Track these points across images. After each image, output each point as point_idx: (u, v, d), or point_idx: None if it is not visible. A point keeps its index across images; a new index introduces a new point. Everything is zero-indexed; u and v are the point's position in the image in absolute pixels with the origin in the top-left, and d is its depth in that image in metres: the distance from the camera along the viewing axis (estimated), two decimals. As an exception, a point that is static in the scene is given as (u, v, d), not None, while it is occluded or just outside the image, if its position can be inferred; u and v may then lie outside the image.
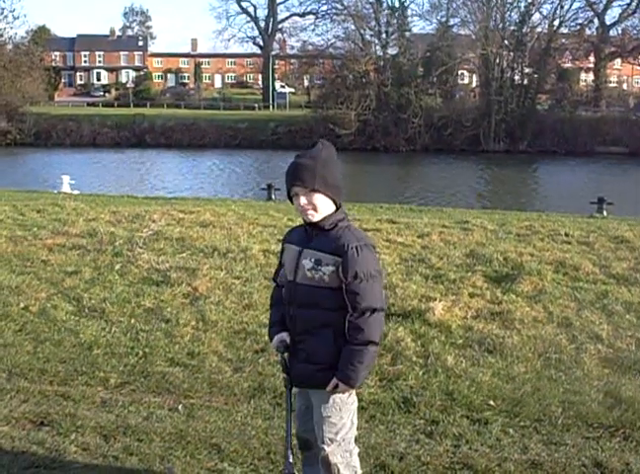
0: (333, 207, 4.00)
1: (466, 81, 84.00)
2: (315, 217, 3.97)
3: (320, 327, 3.97)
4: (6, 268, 9.54)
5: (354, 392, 4.10)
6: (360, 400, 5.90)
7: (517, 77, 72.25)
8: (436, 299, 8.18)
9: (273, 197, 21.50)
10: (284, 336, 4.13)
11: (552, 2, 72.10)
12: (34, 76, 79.83)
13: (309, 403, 4.17)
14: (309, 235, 4.02)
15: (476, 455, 5.22)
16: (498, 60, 69.61)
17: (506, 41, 70.15)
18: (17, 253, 10.20)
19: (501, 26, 70.11)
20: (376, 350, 4.04)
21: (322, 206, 3.96)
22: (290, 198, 4.06)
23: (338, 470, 4.08)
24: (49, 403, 5.97)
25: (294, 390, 4.16)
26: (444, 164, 57.32)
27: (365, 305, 3.91)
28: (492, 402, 5.99)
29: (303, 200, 3.95)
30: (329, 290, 3.93)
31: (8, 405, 5.90)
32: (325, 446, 4.04)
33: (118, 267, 9.48)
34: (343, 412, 4.08)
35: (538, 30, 72.50)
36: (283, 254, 4.21)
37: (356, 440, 4.25)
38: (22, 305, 8.16)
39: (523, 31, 70.61)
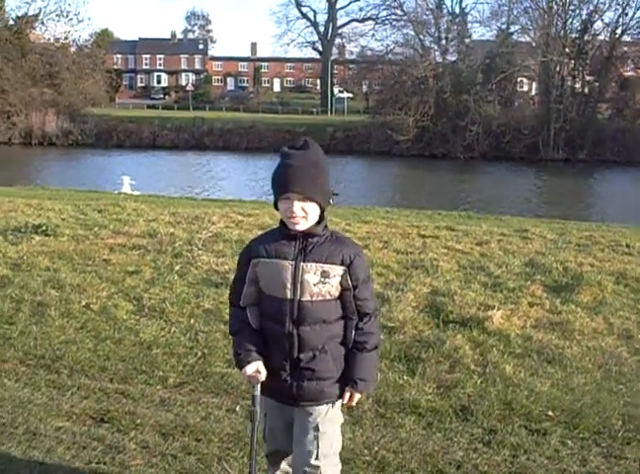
0: (319, 214, 3.84)
1: (525, 89, 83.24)
2: (303, 226, 3.78)
3: (327, 341, 3.86)
4: (68, 266, 9.69)
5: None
6: (417, 407, 5.96)
7: (577, 85, 71.41)
8: (494, 308, 8.11)
9: (330, 201, 21.48)
10: (261, 366, 3.85)
11: (615, 10, 71.08)
12: (96, 78, 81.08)
13: (291, 420, 4.02)
14: (300, 246, 3.80)
15: (534, 466, 5.16)
16: (558, 68, 68.84)
17: (567, 49, 69.34)
18: (79, 251, 10.35)
19: (562, 33, 69.29)
20: None
21: (313, 215, 3.79)
22: (276, 202, 3.84)
23: None
24: (109, 400, 6.03)
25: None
26: (502, 172, 56.90)
27: (373, 307, 3.92)
28: (551, 413, 5.93)
29: (297, 207, 3.73)
30: (335, 302, 3.84)
31: (69, 401, 5.98)
32: (318, 462, 3.91)
33: (177, 267, 9.57)
34: (336, 425, 4.03)
35: (600, 38, 71.44)
36: (253, 270, 3.89)
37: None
38: (83, 303, 8.26)
39: (585, 38, 69.71)
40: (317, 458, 3.91)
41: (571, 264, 10.16)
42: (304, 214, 3.75)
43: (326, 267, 3.76)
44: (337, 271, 3.78)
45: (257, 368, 3.84)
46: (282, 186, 3.74)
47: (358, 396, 3.95)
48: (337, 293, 3.82)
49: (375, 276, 9.40)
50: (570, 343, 7.41)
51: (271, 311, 3.86)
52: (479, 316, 7.85)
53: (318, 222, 3.83)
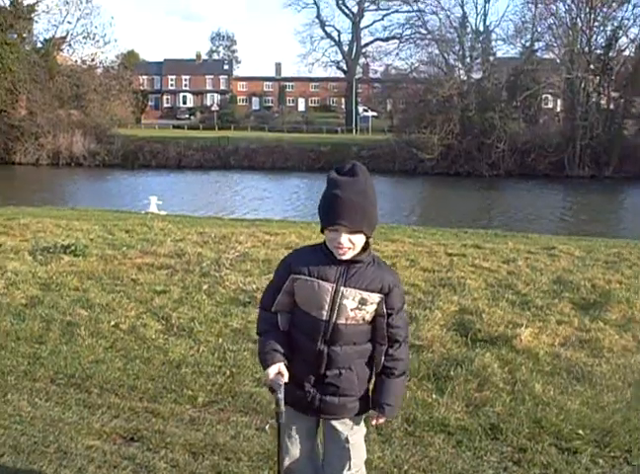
0: (364, 241, 3.81)
1: (550, 106, 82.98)
2: (349, 256, 3.77)
3: (354, 361, 3.90)
4: (97, 285, 9.77)
5: None
6: (446, 425, 5.94)
7: (602, 102, 71.04)
8: (522, 325, 8.10)
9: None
10: (283, 368, 3.86)
11: (640, 26, 70.82)
12: (122, 99, 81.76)
13: (309, 431, 4.12)
14: (342, 270, 3.79)
15: (565, 485, 5.14)
16: (583, 85, 68.51)
17: (592, 66, 69.11)
18: (107, 271, 10.44)
19: (587, 49, 69.09)
20: None
21: (359, 245, 3.77)
22: (324, 227, 3.79)
23: None
24: (139, 419, 6.05)
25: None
26: (528, 189, 56.56)
27: (405, 335, 3.94)
28: (581, 431, 5.88)
29: (344, 239, 3.70)
30: (367, 326, 3.87)
31: (100, 420, 6.01)
32: (350, 472, 4.02)
33: (205, 287, 9.62)
34: (362, 437, 4.10)
35: (625, 53, 71.23)
36: (290, 284, 3.89)
37: None
38: (112, 323, 8.32)
39: (610, 55, 69.42)
40: (349, 469, 4.01)
41: (599, 281, 10.12)
42: (351, 245, 3.73)
43: (365, 294, 3.78)
44: (374, 298, 3.80)
45: (279, 370, 3.86)
46: (331, 218, 3.71)
47: (382, 419, 4.03)
48: (370, 318, 3.85)
49: (403, 294, 9.40)
50: (599, 360, 7.37)
51: (304, 326, 3.89)
52: (507, 334, 7.84)
53: (363, 249, 3.82)
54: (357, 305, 3.78)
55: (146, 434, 5.74)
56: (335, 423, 4.00)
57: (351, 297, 3.77)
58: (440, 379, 6.82)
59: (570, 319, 8.60)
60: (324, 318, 3.80)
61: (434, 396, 6.46)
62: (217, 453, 5.46)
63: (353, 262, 3.79)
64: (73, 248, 11.70)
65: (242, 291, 9.41)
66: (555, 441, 5.75)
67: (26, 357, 7.35)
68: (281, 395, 3.83)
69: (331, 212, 3.70)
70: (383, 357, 3.91)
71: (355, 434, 4.02)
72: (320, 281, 3.79)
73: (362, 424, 4.08)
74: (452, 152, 67.06)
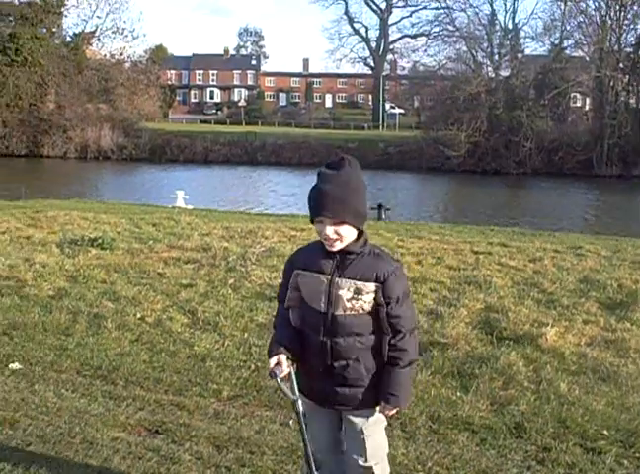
0: (356, 233, 3.87)
1: (579, 104, 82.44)
2: (337, 247, 3.83)
3: (361, 352, 3.91)
4: (124, 278, 9.83)
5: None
6: (470, 423, 5.92)
7: (632, 100, 70.56)
8: (548, 324, 8.06)
9: (383, 216, 21.56)
10: (283, 359, 3.93)
11: (671, 24, 70.19)
12: (150, 94, 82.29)
13: (328, 422, 4.15)
14: (337, 262, 3.86)
15: (590, 485, 5.11)
16: (612, 83, 68.11)
17: (621, 64, 68.66)
18: (134, 264, 10.51)
19: (616, 48, 68.67)
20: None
21: (347, 236, 3.81)
22: (312, 219, 3.89)
23: None
24: (164, 412, 6.08)
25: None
26: (555, 188, 56.26)
27: (409, 326, 3.90)
28: (606, 431, 5.83)
29: (329, 231, 3.77)
30: (367, 316, 3.87)
31: (125, 412, 6.04)
32: (368, 464, 4.03)
33: (231, 281, 9.66)
34: (381, 428, 4.10)
35: (656, 52, 70.72)
36: (295, 280, 4.01)
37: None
38: (139, 315, 8.37)
39: (640, 53, 69.04)
40: (367, 460, 4.02)
41: (626, 281, 10.06)
42: (337, 237, 3.79)
43: (359, 284, 3.82)
44: (370, 288, 3.82)
45: (278, 361, 3.91)
46: (315, 210, 3.81)
47: (393, 410, 4.01)
48: (370, 308, 3.86)
49: (428, 291, 9.42)
50: (625, 361, 7.31)
51: (308, 320, 3.97)
52: (533, 333, 7.81)
53: (357, 239, 3.87)
54: (352, 296, 3.82)
55: (171, 427, 5.76)
56: (350, 414, 4.03)
57: (345, 288, 3.82)
58: (464, 377, 6.80)
59: (596, 319, 8.56)
60: (322, 310, 3.88)
61: (458, 394, 6.45)
62: (242, 447, 5.46)
63: (347, 253, 3.85)
64: (100, 241, 11.79)
65: (268, 286, 9.43)
66: (580, 441, 5.70)
67: (53, 349, 7.42)
68: (283, 384, 3.93)
69: (314, 205, 3.81)
70: (387, 348, 3.91)
71: (370, 425, 4.02)
72: (316, 274, 3.89)
73: (381, 415, 4.07)
74: (479, 150, 66.90)
